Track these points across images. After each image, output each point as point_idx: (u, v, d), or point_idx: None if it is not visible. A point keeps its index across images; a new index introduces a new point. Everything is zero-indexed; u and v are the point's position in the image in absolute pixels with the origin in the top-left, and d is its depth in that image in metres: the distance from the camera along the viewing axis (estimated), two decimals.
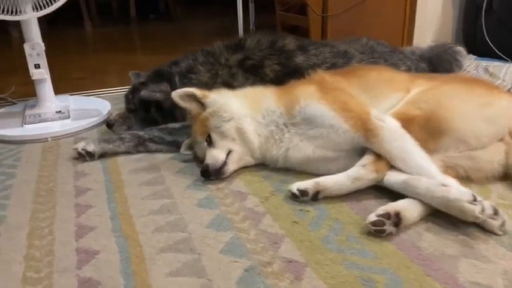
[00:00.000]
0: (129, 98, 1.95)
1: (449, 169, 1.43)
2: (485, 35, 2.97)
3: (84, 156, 1.74)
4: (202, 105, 1.65)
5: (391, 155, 1.39)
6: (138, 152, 1.80)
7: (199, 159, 1.67)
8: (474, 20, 3.09)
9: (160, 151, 1.80)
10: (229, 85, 1.83)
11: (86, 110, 2.23)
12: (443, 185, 1.25)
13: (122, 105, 2.32)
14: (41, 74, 2.11)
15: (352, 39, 2.10)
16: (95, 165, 1.71)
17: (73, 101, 2.35)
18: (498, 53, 2.92)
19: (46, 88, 2.18)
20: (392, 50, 2.17)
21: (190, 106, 1.65)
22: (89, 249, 1.20)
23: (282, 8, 3.27)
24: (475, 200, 1.19)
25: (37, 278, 1.10)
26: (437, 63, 2.45)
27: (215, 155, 1.55)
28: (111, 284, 1.07)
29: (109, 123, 1.97)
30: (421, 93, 1.59)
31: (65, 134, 2.01)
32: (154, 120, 1.93)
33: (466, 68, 2.58)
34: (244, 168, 1.61)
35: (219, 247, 1.19)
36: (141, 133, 1.80)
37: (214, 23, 5.66)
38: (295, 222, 1.29)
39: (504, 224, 1.20)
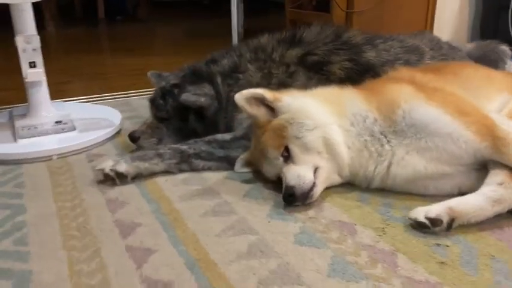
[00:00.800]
0: (159, 103, 1.57)
1: None
2: (511, 32, 2.82)
3: (113, 178, 1.34)
4: (272, 110, 1.31)
5: None
6: (181, 170, 1.42)
7: (267, 179, 1.32)
8: (496, 17, 2.93)
9: (208, 169, 1.43)
10: (287, 86, 1.49)
11: (93, 120, 1.81)
12: None
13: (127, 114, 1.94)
14: (37, 75, 1.68)
15: (414, 33, 1.83)
16: (131, 191, 1.32)
17: (71, 109, 1.91)
18: None
19: (42, 93, 1.74)
20: (452, 46, 1.92)
21: (258, 112, 1.30)
22: None
23: (293, 5, 2.96)
24: None
25: None
26: (483, 62, 2.23)
27: (301, 174, 1.20)
28: None
29: (133, 136, 1.57)
30: None
31: (73, 150, 1.59)
32: (193, 131, 1.55)
33: (509, 67, 2.40)
34: (327, 189, 1.28)
35: None
36: (183, 147, 1.42)
37: (187, 25, 5.30)
38: (442, 263, 0.97)
39: None
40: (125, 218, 1.17)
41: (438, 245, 1.03)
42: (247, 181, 1.37)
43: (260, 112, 1.30)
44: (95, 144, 1.65)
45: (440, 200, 1.14)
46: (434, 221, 1.07)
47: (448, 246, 1.03)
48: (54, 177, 1.42)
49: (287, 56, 1.55)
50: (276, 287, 0.91)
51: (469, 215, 1.08)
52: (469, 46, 2.28)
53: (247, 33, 4.07)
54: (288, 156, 1.24)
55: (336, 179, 1.28)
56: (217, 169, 1.43)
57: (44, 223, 1.15)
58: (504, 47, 2.34)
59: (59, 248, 1.05)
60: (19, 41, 1.62)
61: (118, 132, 1.78)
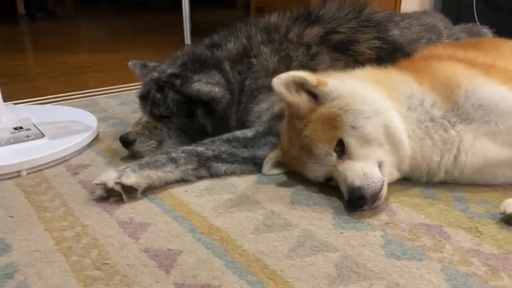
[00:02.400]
0: (156, 98, 1.27)
1: None
2: (476, 18, 2.83)
3: (119, 193, 1.04)
4: (314, 97, 1.08)
5: None
6: (199, 177, 1.15)
7: (310, 180, 1.10)
8: (458, 2, 2.95)
9: (231, 173, 1.18)
10: (310, 70, 1.27)
11: (62, 124, 1.46)
12: None
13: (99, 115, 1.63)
14: None
15: (421, 11, 1.70)
16: (147, 208, 1.03)
17: (29, 112, 1.54)
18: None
19: None
20: (450, 26, 1.82)
21: (299, 100, 1.07)
22: None
23: None
24: None
25: None
26: None
27: (367, 172, 0.99)
28: None
29: (127, 140, 1.27)
30: None
31: (47, 162, 1.25)
32: (200, 129, 1.28)
33: None
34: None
35: None
36: (199, 149, 1.15)
37: (115, 22, 4.89)
38: None
39: None
40: (155, 245, 0.89)
41: None
42: (284, 184, 1.14)
43: (302, 100, 1.08)
44: (72, 152, 1.32)
45: (507, 189, 1.00)
46: None
47: None
48: (34, 199, 1.08)
49: (306, 36, 1.33)
50: None
51: None
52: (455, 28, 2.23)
53: (195, 27, 3.81)
54: (342, 151, 1.03)
55: (395, 175, 1.09)
56: (242, 173, 1.19)
57: (44, 263, 0.84)
58: (486, 30, 2.31)
59: None
60: None
61: (97, 137, 1.45)
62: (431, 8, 3.18)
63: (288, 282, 0.78)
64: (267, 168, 1.19)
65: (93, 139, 1.43)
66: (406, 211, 1.00)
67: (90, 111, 1.63)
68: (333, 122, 1.04)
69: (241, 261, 0.83)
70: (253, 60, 1.31)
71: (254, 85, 1.30)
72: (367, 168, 1.00)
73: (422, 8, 3.11)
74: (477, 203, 1.02)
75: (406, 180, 1.12)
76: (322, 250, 0.87)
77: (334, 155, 1.03)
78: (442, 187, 1.09)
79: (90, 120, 1.52)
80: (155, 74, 1.34)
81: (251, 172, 1.19)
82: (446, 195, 1.06)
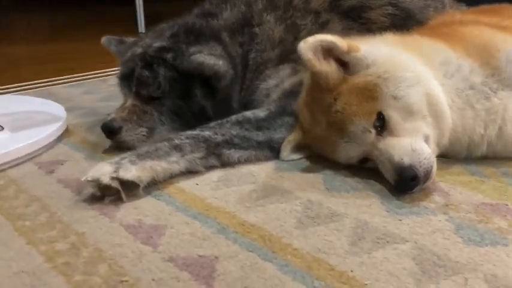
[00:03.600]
0: (143, 76, 1.06)
1: None
2: None
3: (116, 191, 0.84)
4: (343, 65, 0.93)
5: None
6: (208, 167, 0.96)
7: (339, 163, 0.95)
8: None
9: (245, 161, 1.00)
10: None
11: (24, 115, 1.21)
12: None
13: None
14: None
15: None
16: (154, 206, 0.83)
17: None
18: None
19: None
20: None
21: (329, 68, 0.91)
22: None
23: None
24: None
25: None
26: None
27: (417, 147, 0.85)
28: None
29: (112, 127, 1.05)
30: None
31: (12, 160, 1.01)
32: (199, 112, 1.09)
33: None
34: None
35: None
36: (206, 134, 0.96)
37: (56, 14, 4.51)
38: None
39: None
40: (182, 251, 0.69)
41: None
42: (308, 170, 0.98)
43: (332, 69, 0.92)
44: (41, 147, 1.08)
45: None
46: None
47: None
48: (3, 205, 0.85)
49: (314, 2, 1.17)
50: None
51: None
52: None
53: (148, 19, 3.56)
54: (382, 126, 0.89)
55: (435, 150, 0.97)
56: (257, 159, 1.01)
57: (39, 286, 0.62)
58: None
59: None
60: None
61: (67, 129, 1.22)
62: None
63: (366, 285, 0.62)
64: (286, 153, 1.02)
65: (63, 131, 1.19)
66: (459, 190, 0.87)
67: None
68: (371, 92, 0.89)
69: (298, 263, 0.66)
70: (256, 30, 1.14)
71: (259, 58, 1.12)
72: (415, 144, 0.86)
73: None
74: None
75: (443, 157, 0.99)
76: (388, 242, 0.71)
77: (373, 131, 0.88)
78: (484, 163, 0.98)
79: (57, 109, 1.27)
80: (138, 50, 1.13)
81: (267, 158, 1.02)
82: (492, 171, 0.95)
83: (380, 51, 0.93)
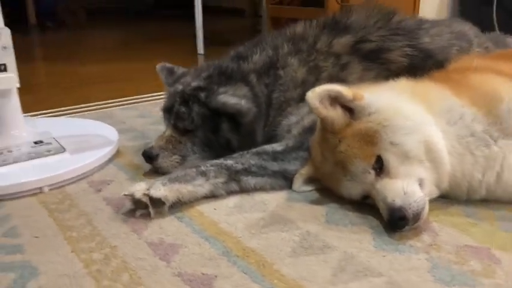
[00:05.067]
0: (181, 111, 1.24)
1: None
2: (496, 27, 2.78)
3: (145, 205, 1.01)
4: (349, 111, 1.04)
5: None
6: (229, 191, 1.11)
7: (344, 198, 1.06)
8: (477, 11, 2.89)
9: (260, 188, 1.13)
10: (340, 80, 1.24)
11: (82, 138, 1.43)
12: None
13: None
14: (8, 82, 1.28)
15: (449, 18, 1.66)
16: (176, 227, 0.98)
17: (48, 125, 1.51)
18: None
19: (12, 105, 1.34)
20: (479, 34, 1.78)
21: (335, 114, 1.03)
22: None
23: (274, 1, 2.71)
24: None
25: None
26: None
27: (408, 190, 0.94)
28: None
29: (151, 154, 1.23)
30: None
31: (69, 178, 1.21)
32: (225, 144, 1.24)
33: None
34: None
35: None
36: (229, 162, 1.12)
37: (127, 31, 4.87)
38: None
39: None
40: (189, 268, 0.84)
41: None
42: (316, 202, 1.09)
43: (337, 114, 1.03)
44: (94, 168, 1.28)
45: None
46: None
47: None
48: (58, 217, 1.04)
49: (336, 45, 1.29)
50: None
51: None
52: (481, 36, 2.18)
53: (208, 34, 3.79)
54: (380, 168, 0.99)
55: (434, 193, 1.04)
56: (272, 188, 1.14)
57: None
58: (511, 39, 2.28)
59: None
60: None
61: (118, 151, 1.42)
62: (449, 16, 3.14)
63: None
64: (298, 184, 1.15)
65: (114, 153, 1.40)
66: (448, 231, 0.95)
67: (108, 124, 1.60)
68: (371, 138, 0.99)
69: (281, 287, 0.79)
70: (281, 72, 1.27)
71: (282, 97, 1.26)
72: (408, 187, 0.95)
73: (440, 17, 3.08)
74: None
75: (444, 198, 1.07)
76: (366, 275, 0.82)
77: (372, 172, 0.99)
78: (484, 205, 1.04)
79: (111, 133, 1.48)
80: (180, 87, 1.30)
81: (281, 188, 1.15)
82: (489, 214, 1.01)
83: (383, 100, 1.03)
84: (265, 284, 0.80)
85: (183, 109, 1.25)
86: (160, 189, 1.02)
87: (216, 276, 0.82)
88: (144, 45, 3.91)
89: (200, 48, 3.42)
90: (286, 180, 1.15)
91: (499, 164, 1.02)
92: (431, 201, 1.03)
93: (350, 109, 1.04)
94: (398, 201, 0.94)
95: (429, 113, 1.04)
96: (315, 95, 1.01)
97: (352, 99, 1.03)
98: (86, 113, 1.87)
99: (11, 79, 1.28)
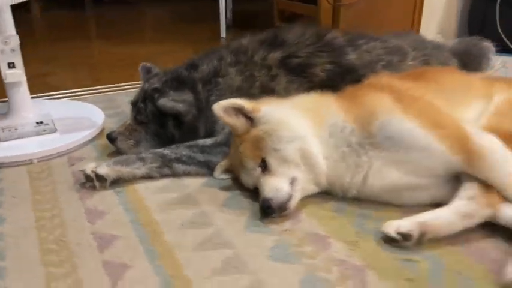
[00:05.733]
0: (140, 107, 1.56)
1: None
2: (498, 26, 2.81)
3: (92, 180, 1.35)
4: (250, 120, 1.31)
5: (502, 183, 1.14)
6: (162, 175, 1.43)
7: (245, 187, 1.34)
8: (483, 11, 2.93)
9: (188, 174, 1.44)
10: (270, 89, 1.51)
11: (74, 120, 1.80)
12: None
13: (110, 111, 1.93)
14: (17, 76, 1.66)
15: (398, 32, 1.83)
16: (110, 198, 1.33)
17: (52, 107, 1.90)
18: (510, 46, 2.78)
19: (21, 93, 1.73)
20: (437, 45, 1.92)
21: (237, 122, 1.30)
22: None
23: None
24: None
25: None
26: (467, 59, 2.24)
27: (277, 186, 1.22)
28: None
29: (111, 137, 1.57)
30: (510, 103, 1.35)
31: (54, 153, 1.59)
32: (171, 136, 1.56)
33: (493, 62, 2.40)
34: (305, 198, 1.29)
35: None
36: (165, 152, 1.43)
37: (174, 7, 5.18)
38: (409, 279, 1.00)
39: None
40: (103, 230, 1.18)
41: (408, 260, 1.06)
42: (226, 188, 1.38)
43: (239, 122, 1.31)
44: (76, 146, 1.65)
45: (414, 210, 1.17)
46: (406, 236, 1.09)
47: (418, 261, 1.05)
48: (34, 183, 1.42)
49: (269, 59, 1.54)
50: None
51: (439, 229, 1.11)
52: (453, 42, 2.29)
53: (236, 17, 4.04)
54: (265, 167, 1.26)
55: (313, 189, 1.30)
56: (197, 174, 1.45)
57: (23, 235, 1.16)
58: (487, 43, 2.35)
59: (36, 263, 1.06)
60: None
61: (100, 133, 1.78)
62: (456, 27, 3.16)
63: (183, 269, 1.04)
64: (217, 173, 1.44)
65: (98, 134, 1.75)
66: (310, 221, 1.21)
67: (105, 107, 1.97)
68: (259, 143, 1.26)
69: (159, 249, 1.11)
70: (220, 80, 1.54)
71: (218, 101, 1.54)
72: (279, 184, 1.22)
73: (445, 25, 3.13)
74: (375, 221, 1.20)
75: (326, 194, 1.31)
76: (222, 247, 1.11)
77: (258, 169, 1.26)
78: (356, 203, 1.28)
79: (99, 117, 1.84)
80: (146, 85, 1.62)
81: (204, 175, 1.45)
82: (353, 211, 1.25)
83: (275, 113, 1.29)
84: (147, 247, 1.12)
85: (141, 105, 1.56)
86: (104, 168, 1.36)
87: (120, 237, 1.15)
88: (185, 25, 4.21)
89: (223, 31, 3.70)
90: (209, 169, 1.44)
91: (365, 170, 1.25)
92: (312, 195, 1.29)
93: (251, 118, 1.31)
94: (269, 194, 1.21)
95: (315, 126, 1.29)
96: (219, 106, 1.29)
97: (251, 111, 1.30)
98: (95, 94, 2.25)
99: (19, 74, 1.67)
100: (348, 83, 1.47)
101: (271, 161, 1.25)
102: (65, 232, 1.18)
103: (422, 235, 1.10)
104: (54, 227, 1.20)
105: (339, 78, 1.50)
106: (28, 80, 1.74)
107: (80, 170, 1.39)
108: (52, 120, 1.75)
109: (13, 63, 1.64)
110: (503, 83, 1.45)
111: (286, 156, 1.24)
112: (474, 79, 1.50)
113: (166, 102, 1.49)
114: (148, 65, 1.77)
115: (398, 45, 1.67)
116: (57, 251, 1.10)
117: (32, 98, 1.82)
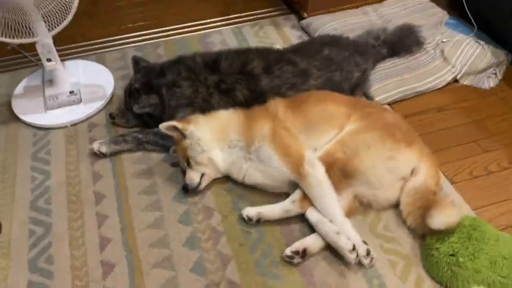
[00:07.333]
0: (126, 99, 2.43)
1: (356, 199, 2.04)
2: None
3: (98, 155, 2.34)
4: (182, 134, 2.17)
5: (312, 197, 1.98)
6: (139, 150, 2.37)
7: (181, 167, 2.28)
8: None
9: (154, 151, 2.38)
10: (208, 102, 2.29)
11: (94, 90, 2.69)
12: (338, 233, 1.88)
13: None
14: (53, 66, 2.54)
15: (315, 50, 2.43)
16: (107, 166, 2.30)
17: (83, 72, 2.79)
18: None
19: (59, 73, 2.62)
20: (352, 53, 2.49)
21: (174, 134, 2.17)
22: (109, 262, 1.92)
23: None
24: (353, 248, 1.84)
25: (80, 286, 1.84)
26: (398, 48, 2.78)
27: (192, 177, 2.14)
28: None
29: (111, 116, 2.49)
30: (349, 135, 2.07)
31: (80, 121, 2.55)
32: (148, 123, 2.44)
33: (426, 47, 2.87)
34: (216, 180, 2.21)
35: (189, 265, 1.90)
36: (140, 136, 2.35)
37: None
38: (241, 244, 1.96)
39: (372, 261, 1.87)
40: (100, 189, 2.20)
41: (247, 232, 2.00)
42: (174, 164, 2.31)
43: (175, 134, 2.17)
44: (94, 114, 2.59)
45: (274, 197, 2.07)
46: (250, 218, 2.03)
47: (251, 233, 1.99)
48: (68, 148, 2.42)
49: (209, 80, 2.29)
50: (157, 249, 1.95)
51: (269, 217, 2.03)
52: (388, 32, 2.77)
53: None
54: (188, 164, 2.16)
55: (217, 175, 2.21)
56: (159, 152, 2.37)
57: (59, 189, 2.21)
58: (416, 28, 2.82)
59: (64, 207, 2.12)
60: (38, 48, 2.44)
61: (109, 101, 2.67)
62: None
63: (132, 221, 2.06)
64: (171, 152, 2.35)
65: (106, 104, 2.66)
66: (209, 198, 2.14)
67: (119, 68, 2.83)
68: (185, 150, 2.15)
69: (124, 207, 2.12)
70: (177, 90, 2.32)
71: (175, 103, 2.34)
72: (192, 176, 2.14)
73: None
74: (245, 202, 2.08)
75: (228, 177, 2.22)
76: (156, 209, 2.10)
77: (185, 164, 2.17)
78: (243, 187, 2.17)
79: (110, 87, 2.72)
80: (132, 81, 2.44)
81: (165, 153, 2.37)
82: (238, 192, 2.15)
83: (195, 133, 2.12)
84: (120, 205, 2.13)
85: (128, 99, 2.43)
86: (104, 147, 2.32)
87: (106, 196, 2.17)
88: None
89: None
90: (166, 150, 2.35)
91: (243, 172, 2.13)
92: (221, 177, 2.20)
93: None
94: (186, 181, 2.15)
95: (219, 141, 2.13)
96: (163, 126, 2.14)
97: (182, 129, 2.14)
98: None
99: (55, 65, 2.53)
100: (259, 103, 2.23)
101: (191, 162, 2.15)
102: (79, 189, 2.21)
103: (259, 219, 2.02)
104: (75, 184, 2.23)
105: (254, 100, 2.24)
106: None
107: (90, 148, 2.36)
108: (79, 90, 2.66)
109: (50, 58, 2.50)
110: (359, 115, 2.15)
111: (199, 161, 2.13)
112: (338, 110, 2.18)
113: (137, 109, 2.36)
114: (138, 56, 2.55)
115: (305, 68, 2.32)
116: (75, 202, 2.15)
117: (63, 60, 2.70)
